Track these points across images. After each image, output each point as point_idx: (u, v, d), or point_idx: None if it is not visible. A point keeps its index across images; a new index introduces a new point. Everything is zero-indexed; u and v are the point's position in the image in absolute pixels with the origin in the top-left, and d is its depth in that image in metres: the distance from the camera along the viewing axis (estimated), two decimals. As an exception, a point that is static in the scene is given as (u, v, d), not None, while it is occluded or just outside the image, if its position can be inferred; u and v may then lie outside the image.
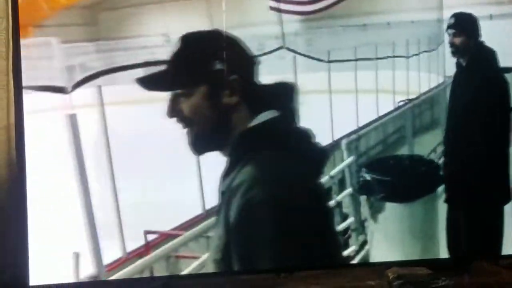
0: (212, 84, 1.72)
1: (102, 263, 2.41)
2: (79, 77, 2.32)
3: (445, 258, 2.67)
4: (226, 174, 1.74)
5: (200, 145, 1.78)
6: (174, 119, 1.80)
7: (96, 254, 2.40)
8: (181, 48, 1.78)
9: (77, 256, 2.34)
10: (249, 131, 1.67)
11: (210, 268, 1.80)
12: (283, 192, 1.66)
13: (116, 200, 2.50)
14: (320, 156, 1.86)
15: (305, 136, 1.81)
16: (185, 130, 1.79)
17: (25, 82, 2.22)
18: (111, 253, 2.48)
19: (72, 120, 2.36)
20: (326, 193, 2.53)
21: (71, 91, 2.34)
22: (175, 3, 2.49)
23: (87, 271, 2.37)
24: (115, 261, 2.51)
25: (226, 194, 1.70)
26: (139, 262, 2.49)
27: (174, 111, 1.77)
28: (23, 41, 2.22)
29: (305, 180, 1.80)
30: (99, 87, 2.43)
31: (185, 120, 1.77)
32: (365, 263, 1.90)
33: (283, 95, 1.86)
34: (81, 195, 2.39)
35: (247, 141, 1.67)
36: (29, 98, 2.23)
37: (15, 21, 2.15)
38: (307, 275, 2.33)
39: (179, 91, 1.75)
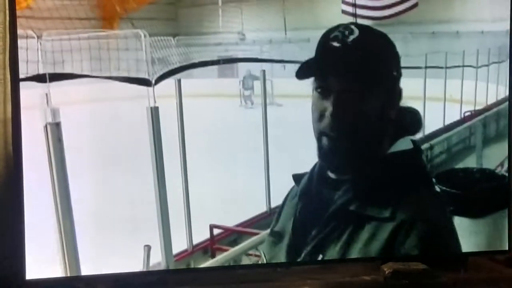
0: (388, 90, 1.62)
1: (171, 254, 2.45)
2: (159, 70, 2.38)
3: (441, 254, 2.58)
4: (371, 198, 1.61)
5: (344, 156, 1.63)
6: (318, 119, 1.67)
7: (167, 246, 2.43)
8: (363, 39, 1.61)
9: (148, 249, 2.37)
10: (393, 157, 1.62)
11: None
12: None
13: (187, 193, 2.53)
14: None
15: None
16: (330, 137, 1.63)
17: (108, 72, 2.27)
18: (176, 244, 2.51)
19: (154, 113, 2.40)
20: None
21: (154, 84, 2.38)
22: (251, 2, 2.56)
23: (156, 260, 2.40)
24: (180, 253, 2.55)
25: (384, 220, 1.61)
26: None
27: (341, 108, 1.56)
28: (110, 32, 2.29)
29: None
30: (179, 80, 2.47)
31: (347, 122, 1.58)
32: (360, 258, 1.87)
33: (413, 124, 1.71)
34: (156, 187, 2.43)
35: (392, 167, 1.64)
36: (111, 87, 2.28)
37: (12, 14, 2.12)
38: (303, 270, 2.31)
39: (353, 87, 1.56)
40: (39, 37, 2.19)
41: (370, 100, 1.57)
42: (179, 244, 2.54)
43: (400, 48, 3.04)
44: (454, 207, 2.62)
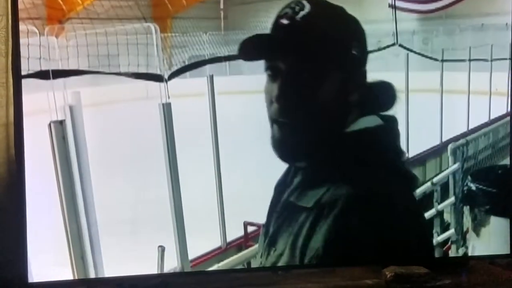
0: (346, 72, 1.48)
1: (187, 257, 2.39)
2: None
3: (443, 257, 2.52)
4: (319, 181, 1.50)
5: (295, 144, 1.53)
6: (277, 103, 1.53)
7: (182, 248, 2.38)
8: (315, 15, 1.45)
9: (162, 250, 2.31)
10: (349, 136, 1.48)
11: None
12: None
13: (221, 190, 2.47)
14: (410, 179, 1.77)
15: (401, 154, 1.68)
16: (280, 124, 1.53)
17: (118, 68, 2.20)
18: (209, 242, 2.51)
19: (166, 109, 2.29)
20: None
21: (168, 80, 2.26)
22: None
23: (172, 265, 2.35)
24: (214, 250, 2.52)
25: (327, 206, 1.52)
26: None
27: (287, 92, 1.46)
28: (122, 27, 2.19)
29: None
30: (211, 76, 2.39)
31: (296, 108, 1.48)
32: (362, 262, 1.83)
33: (386, 99, 1.60)
34: (170, 187, 2.35)
35: (346, 147, 1.50)
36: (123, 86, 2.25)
37: (15, 19, 2.10)
38: (304, 273, 2.27)
39: (301, 69, 1.45)
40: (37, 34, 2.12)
41: (322, 83, 1.43)
42: (213, 242, 2.51)
43: (446, 41, 3.02)
44: (491, 206, 2.59)
